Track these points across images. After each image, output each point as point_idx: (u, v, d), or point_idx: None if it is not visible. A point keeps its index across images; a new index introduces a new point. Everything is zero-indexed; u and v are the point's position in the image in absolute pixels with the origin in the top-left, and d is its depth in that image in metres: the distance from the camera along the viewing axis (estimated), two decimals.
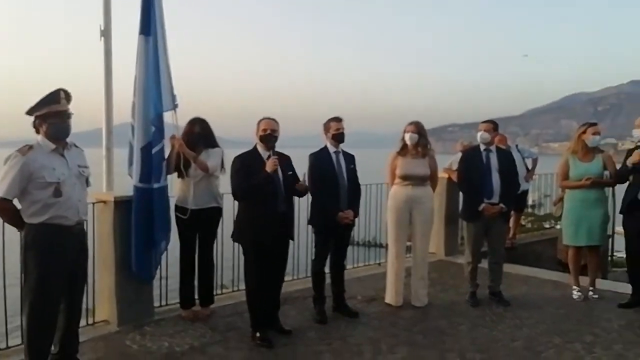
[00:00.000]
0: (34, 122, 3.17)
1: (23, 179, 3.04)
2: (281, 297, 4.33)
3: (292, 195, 4.18)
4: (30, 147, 3.12)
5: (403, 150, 4.93)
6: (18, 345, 3.45)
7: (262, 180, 3.89)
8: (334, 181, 4.51)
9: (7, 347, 3.72)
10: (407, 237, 4.99)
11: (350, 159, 4.68)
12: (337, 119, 4.62)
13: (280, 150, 4.10)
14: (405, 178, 4.86)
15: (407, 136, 4.88)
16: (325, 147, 4.63)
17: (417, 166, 4.86)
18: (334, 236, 4.59)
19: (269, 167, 3.89)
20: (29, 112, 3.17)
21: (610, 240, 7.77)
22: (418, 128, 4.88)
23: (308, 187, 4.27)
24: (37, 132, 3.18)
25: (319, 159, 4.54)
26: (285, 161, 4.09)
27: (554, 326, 4.41)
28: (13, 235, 3.18)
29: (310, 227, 4.75)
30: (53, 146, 3.16)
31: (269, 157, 3.97)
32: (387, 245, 5.17)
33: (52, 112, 3.13)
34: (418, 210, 4.87)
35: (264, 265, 4.03)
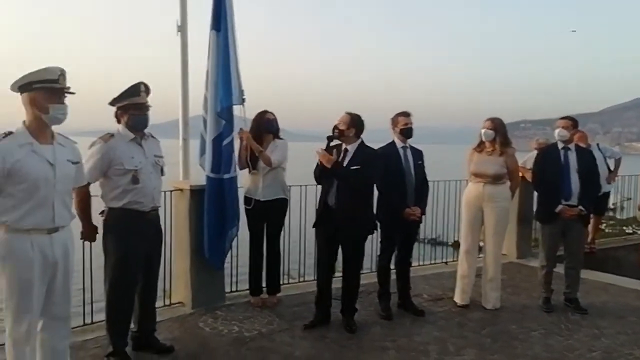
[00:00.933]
0: (116, 112, 3.37)
1: (104, 164, 3.24)
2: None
3: (349, 187, 3.98)
4: (112, 135, 3.33)
5: (479, 146, 4.77)
6: (102, 320, 3.65)
7: (316, 171, 4.09)
8: (401, 177, 4.43)
9: (92, 323, 3.98)
10: (478, 236, 4.82)
11: (418, 154, 4.57)
12: (405, 114, 4.53)
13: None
14: (477, 175, 4.71)
15: (482, 132, 4.70)
16: (393, 142, 4.54)
17: (489, 164, 4.66)
18: (400, 232, 4.51)
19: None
20: (112, 103, 3.37)
21: None
22: (494, 124, 4.66)
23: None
24: (118, 122, 3.38)
25: (386, 155, 4.46)
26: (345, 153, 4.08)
27: (636, 337, 4.11)
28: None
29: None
30: (132, 136, 3.34)
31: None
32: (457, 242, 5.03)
33: (132, 104, 3.31)
34: (490, 209, 4.68)
35: (330, 255, 4.13)
